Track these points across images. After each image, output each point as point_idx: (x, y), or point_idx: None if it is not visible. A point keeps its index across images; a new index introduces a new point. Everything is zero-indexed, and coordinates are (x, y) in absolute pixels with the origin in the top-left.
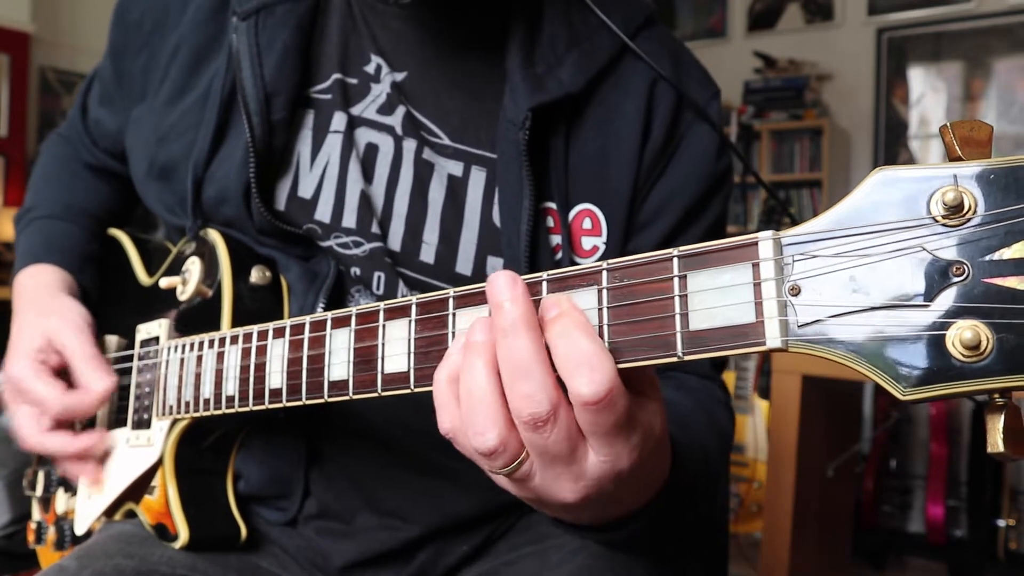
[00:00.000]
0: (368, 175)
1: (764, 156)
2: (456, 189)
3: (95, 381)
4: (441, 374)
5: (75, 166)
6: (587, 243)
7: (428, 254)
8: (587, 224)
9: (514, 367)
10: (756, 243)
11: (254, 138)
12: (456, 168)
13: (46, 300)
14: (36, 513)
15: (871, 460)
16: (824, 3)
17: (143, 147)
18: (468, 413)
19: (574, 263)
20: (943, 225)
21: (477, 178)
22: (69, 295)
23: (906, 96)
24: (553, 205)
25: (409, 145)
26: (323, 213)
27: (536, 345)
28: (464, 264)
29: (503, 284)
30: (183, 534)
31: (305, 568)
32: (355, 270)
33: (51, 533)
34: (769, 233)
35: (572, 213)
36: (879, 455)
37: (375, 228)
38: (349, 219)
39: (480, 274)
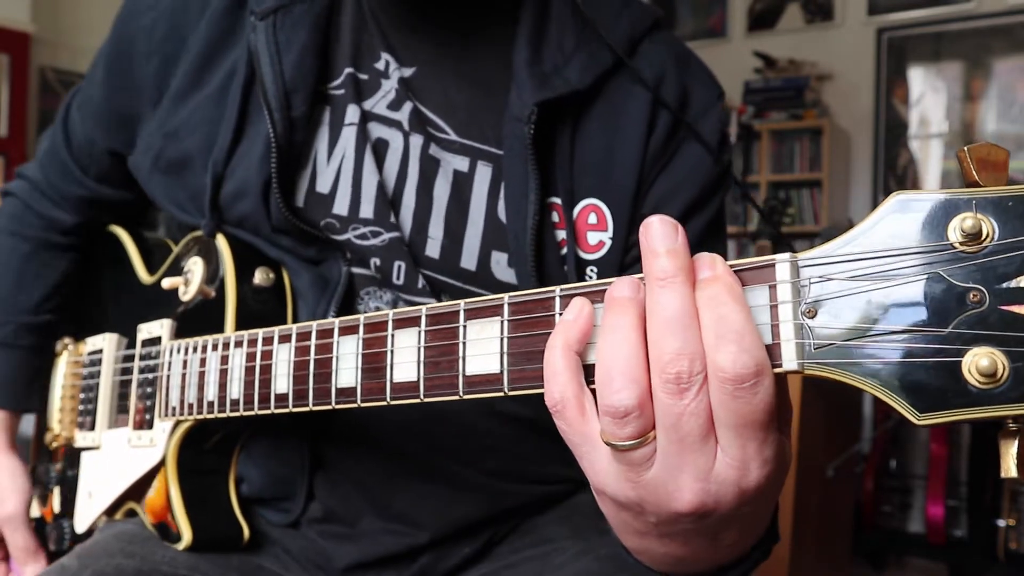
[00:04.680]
0: (380, 168)
1: (764, 156)
2: (461, 185)
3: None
4: (556, 340)
5: (24, 247)
6: (592, 238)
7: (433, 249)
8: (592, 219)
9: (665, 322)
10: (773, 265)
11: (276, 134)
12: (462, 164)
13: None
14: (35, 511)
15: (871, 460)
16: (824, 3)
17: (146, 140)
18: (605, 372)
19: (579, 258)
20: (961, 251)
21: (483, 174)
22: (9, 452)
23: (906, 96)
24: (558, 200)
25: (416, 141)
26: (340, 206)
27: (692, 302)
28: (468, 259)
29: (664, 232)
30: (186, 535)
31: (307, 569)
32: (375, 261)
33: (51, 532)
34: (787, 255)
35: (577, 208)
36: (879, 455)
37: (392, 218)
38: (367, 210)
39: (484, 270)
